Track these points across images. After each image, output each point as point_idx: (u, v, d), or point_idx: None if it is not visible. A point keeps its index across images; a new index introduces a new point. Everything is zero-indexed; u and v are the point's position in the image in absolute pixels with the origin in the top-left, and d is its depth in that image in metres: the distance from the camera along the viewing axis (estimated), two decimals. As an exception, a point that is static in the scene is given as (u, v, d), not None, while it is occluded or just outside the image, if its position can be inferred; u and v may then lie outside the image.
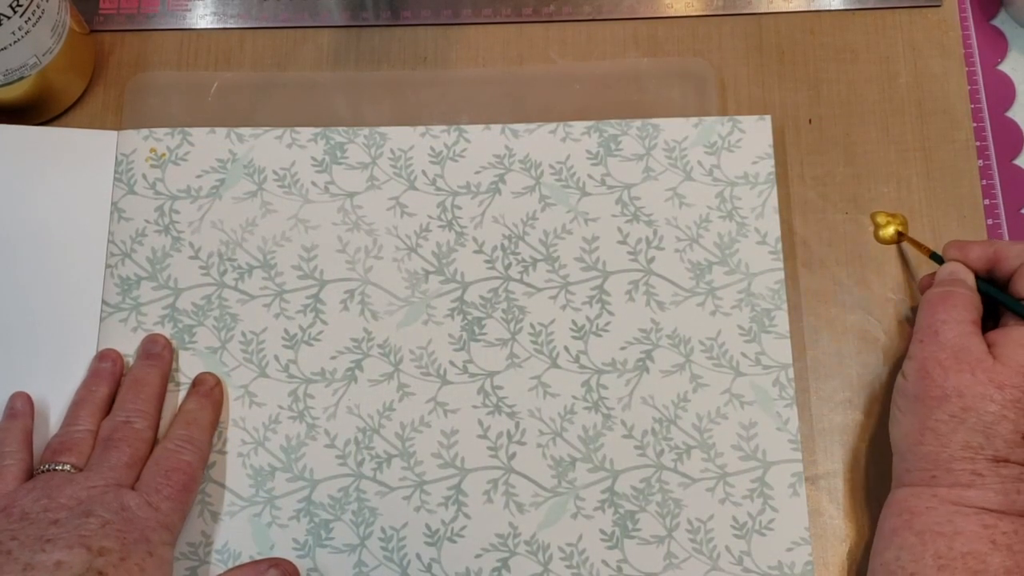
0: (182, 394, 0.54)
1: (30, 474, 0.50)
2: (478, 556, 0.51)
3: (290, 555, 0.51)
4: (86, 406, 0.52)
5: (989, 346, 0.47)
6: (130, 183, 0.57)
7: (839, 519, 0.53)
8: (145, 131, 0.58)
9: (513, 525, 0.52)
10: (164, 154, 0.57)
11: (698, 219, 0.56)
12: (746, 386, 0.54)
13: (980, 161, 0.59)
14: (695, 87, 0.60)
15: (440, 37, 0.61)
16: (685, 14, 0.62)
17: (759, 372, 0.54)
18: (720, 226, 0.56)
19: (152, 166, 0.57)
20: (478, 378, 0.54)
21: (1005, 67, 0.61)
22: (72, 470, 0.49)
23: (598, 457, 0.53)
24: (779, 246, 0.56)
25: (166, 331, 0.55)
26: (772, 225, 0.56)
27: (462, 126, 0.58)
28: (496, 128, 0.58)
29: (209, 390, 0.53)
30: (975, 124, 0.60)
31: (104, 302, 0.55)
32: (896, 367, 0.55)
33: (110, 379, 0.53)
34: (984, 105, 0.60)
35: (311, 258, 0.56)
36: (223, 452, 0.53)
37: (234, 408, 0.54)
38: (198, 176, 0.57)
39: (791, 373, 0.54)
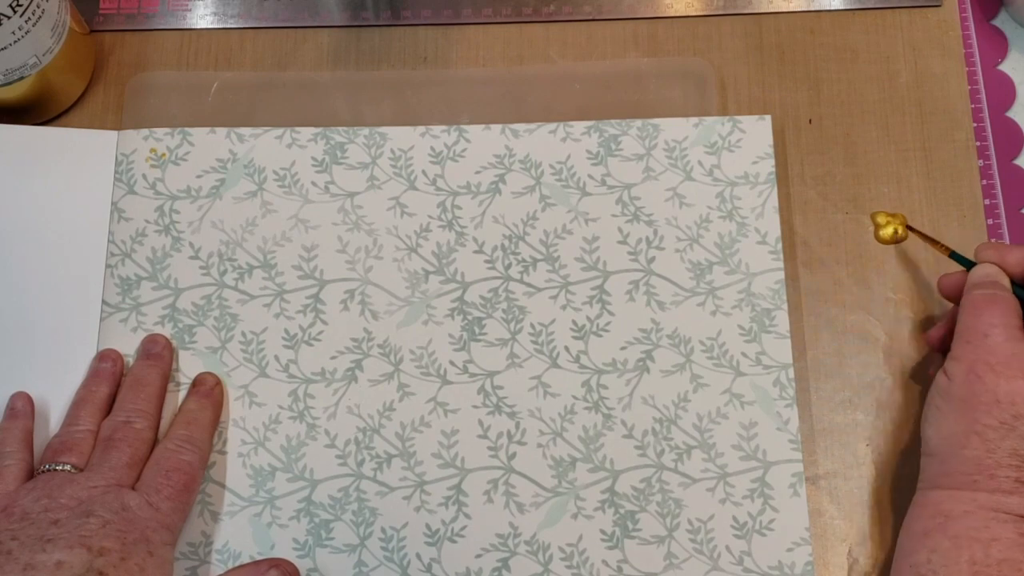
0: (182, 394, 0.54)
1: (31, 474, 0.50)
2: (478, 556, 0.51)
3: (290, 555, 0.51)
4: (86, 406, 0.52)
5: None
6: (130, 183, 0.57)
7: (839, 519, 0.53)
8: (145, 131, 0.58)
9: (513, 525, 0.52)
10: (164, 154, 0.57)
11: (698, 219, 0.56)
12: (746, 386, 0.54)
13: (980, 161, 0.59)
14: (695, 87, 0.60)
15: (440, 37, 0.61)
16: (685, 14, 0.62)
17: (759, 372, 0.54)
18: (720, 226, 0.56)
19: (152, 166, 0.57)
20: (478, 378, 0.54)
21: (1005, 67, 0.61)
22: (73, 470, 0.49)
23: (598, 457, 0.53)
24: (779, 246, 0.56)
25: (166, 331, 0.55)
26: (772, 225, 0.56)
27: (462, 126, 0.58)
28: (496, 128, 0.58)
29: (209, 390, 0.53)
30: (975, 124, 0.60)
31: (104, 302, 0.55)
32: (896, 367, 0.55)
33: (110, 379, 0.53)
34: (984, 105, 0.60)
35: (311, 258, 0.56)
36: (223, 452, 0.53)
37: (234, 408, 0.54)
38: (198, 176, 0.57)
39: (791, 373, 0.54)
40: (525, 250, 0.56)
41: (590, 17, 0.62)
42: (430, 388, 0.54)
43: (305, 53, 0.61)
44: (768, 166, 0.57)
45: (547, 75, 0.60)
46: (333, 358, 0.54)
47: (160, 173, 0.57)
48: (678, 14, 0.62)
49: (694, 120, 0.58)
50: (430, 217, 0.56)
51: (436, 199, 0.57)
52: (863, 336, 0.56)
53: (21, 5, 0.51)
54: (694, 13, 0.62)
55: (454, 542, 0.52)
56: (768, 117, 0.58)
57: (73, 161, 0.57)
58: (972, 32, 0.62)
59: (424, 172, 0.57)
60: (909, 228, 0.55)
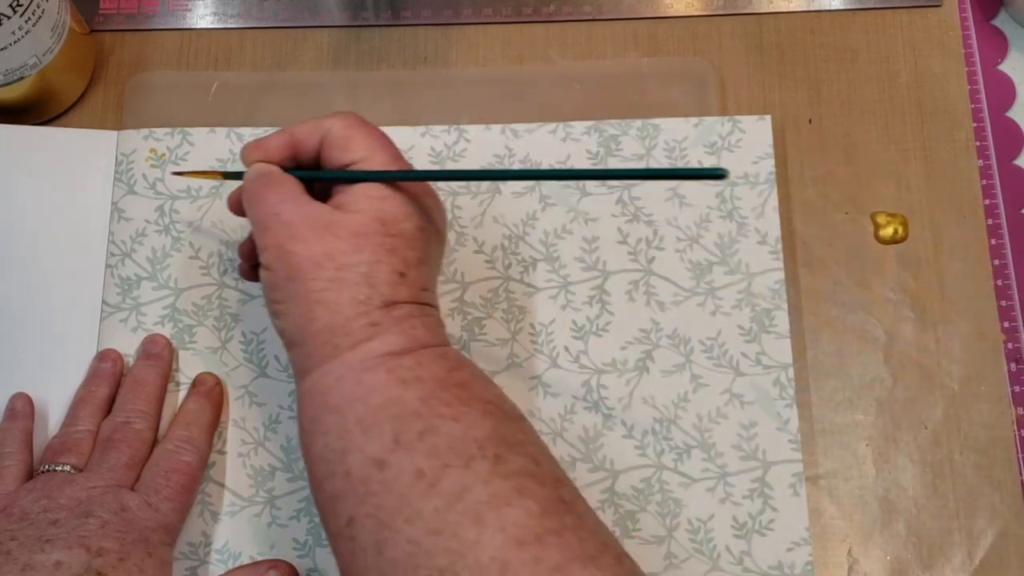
0: (182, 394, 0.54)
1: (30, 474, 0.50)
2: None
3: (290, 555, 0.51)
4: (86, 406, 0.52)
5: (335, 208, 0.46)
6: (130, 183, 0.57)
7: (839, 519, 0.53)
8: (145, 131, 0.58)
9: (513, 525, 0.52)
10: (164, 154, 0.57)
11: (698, 219, 0.56)
12: (746, 386, 0.54)
13: (980, 161, 0.59)
14: (695, 87, 0.60)
15: (440, 37, 0.61)
16: (685, 14, 0.62)
17: (759, 372, 0.54)
18: (720, 226, 0.56)
19: (152, 166, 0.57)
20: (478, 378, 0.54)
21: (1005, 67, 0.61)
22: (72, 471, 0.49)
23: (598, 457, 0.53)
24: (779, 246, 0.56)
25: (166, 331, 0.55)
26: (772, 225, 0.56)
27: (462, 126, 0.58)
28: (496, 128, 0.58)
29: (209, 390, 0.53)
30: (975, 124, 0.60)
31: (104, 302, 0.55)
32: (896, 367, 0.55)
33: (110, 379, 0.53)
34: (984, 105, 0.60)
35: (311, 258, 0.56)
36: (223, 452, 0.53)
37: (234, 408, 0.54)
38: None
39: (791, 373, 0.54)
40: (525, 250, 0.56)
41: (590, 17, 0.62)
42: (430, 388, 0.54)
43: (305, 53, 0.61)
44: (768, 166, 0.57)
45: (547, 75, 0.60)
46: (333, 358, 0.54)
47: (160, 173, 0.57)
48: (678, 14, 0.62)
49: (694, 120, 0.58)
50: (430, 217, 0.56)
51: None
52: (863, 336, 0.56)
53: (21, 5, 0.51)
54: (694, 13, 0.62)
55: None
56: (768, 117, 0.58)
57: (73, 161, 0.57)
58: (972, 32, 0.62)
59: (424, 172, 0.57)
60: (178, 174, 0.55)
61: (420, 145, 0.58)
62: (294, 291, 0.44)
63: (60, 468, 0.49)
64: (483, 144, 0.58)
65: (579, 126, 0.58)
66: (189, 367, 0.54)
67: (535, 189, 0.57)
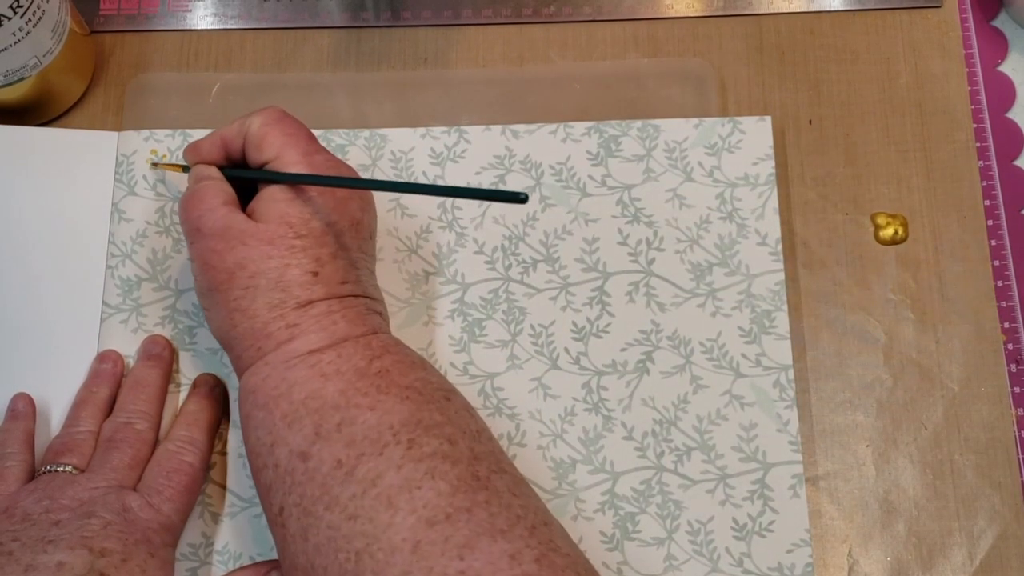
0: (183, 395, 0.54)
1: (32, 475, 0.50)
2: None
3: (291, 556, 0.51)
4: (87, 407, 0.52)
5: (251, 216, 0.48)
6: (131, 184, 0.57)
7: (839, 520, 0.53)
8: (146, 132, 0.58)
9: (513, 526, 0.52)
10: (165, 155, 0.57)
11: (698, 220, 0.56)
12: (746, 387, 0.54)
13: (980, 162, 0.59)
14: (695, 88, 0.60)
15: (440, 38, 0.61)
16: (685, 15, 0.62)
17: (759, 373, 0.54)
18: (720, 227, 0.56)
19: (154, 166, 0.57)
20: (478, 379, 0.54)
21: (1005, 68, 0.61)
22: (74, 471, 0.49)
23: (598, 459, 0.53)
24: (779, 247, 0.56)
25: (167, 332, 0.55)
26: (772, 226, 0.56)
27: (462, 127, 0.58)
28: (496, 129, 0.58)
29: (210, 391, 0.53)
30: (975, 125, 0.60)
31: (104, 303, 0.55)
32: (896, 367, 0.55)
33: (111, 380, 0.53)
34: (984, 106, 0.60)
35: (311, 259, 0.56)
36: (223, 453, 0.53)
37: (235, 409, 0.54)
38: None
39: (791, 374, 0.54)
40: (525, 251, 0.56)
41: (590, 18, 0.62)
42: (430, 389, 0.54)
43: (305, 54, 0.61)
44: (768, 167, 0.57)
45: (547, 76, 0.60)
46: (333, 359, 0.54)
47: (161, 174, 0.57)
48: (678, 15, 0.62)
49: (694, 121, 0.58)
50: (430, 218, 0.57)
51: (436, 200, 0.57)
52: (863, 337, 0.56)
53: (22, 6, 0.51)
54: (694, 14, 0.62)
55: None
56: (768, 118, 0.58)
57: (73, 162, 0.57)
58: (972, 33, 0.62)
59: (424, 173, 0.57)
60: (154, 165, 0.57)
61: (420, 146, 0.58)
62: (215, 300, 0.47)
63: (62, 469, 0.49)
64: (483, 145, 0.58)
65: (579, 127, 0.58)
66: (190, 368, 0.54)
67: (535, 190, 0.57)
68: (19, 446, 0.51)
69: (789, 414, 0.53)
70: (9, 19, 0.51)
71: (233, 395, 0.54)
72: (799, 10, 0.61)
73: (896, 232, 0.57)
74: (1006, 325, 0.56)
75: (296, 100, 0.60)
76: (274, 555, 0.51)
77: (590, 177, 0.57)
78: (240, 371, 0.48)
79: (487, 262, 0.56)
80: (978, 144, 0.59)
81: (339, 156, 0.57)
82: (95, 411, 0.52)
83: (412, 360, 0.47)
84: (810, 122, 0.59)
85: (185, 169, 0.54)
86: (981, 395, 0.55)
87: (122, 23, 0.62)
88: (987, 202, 0.58)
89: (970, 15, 0.62)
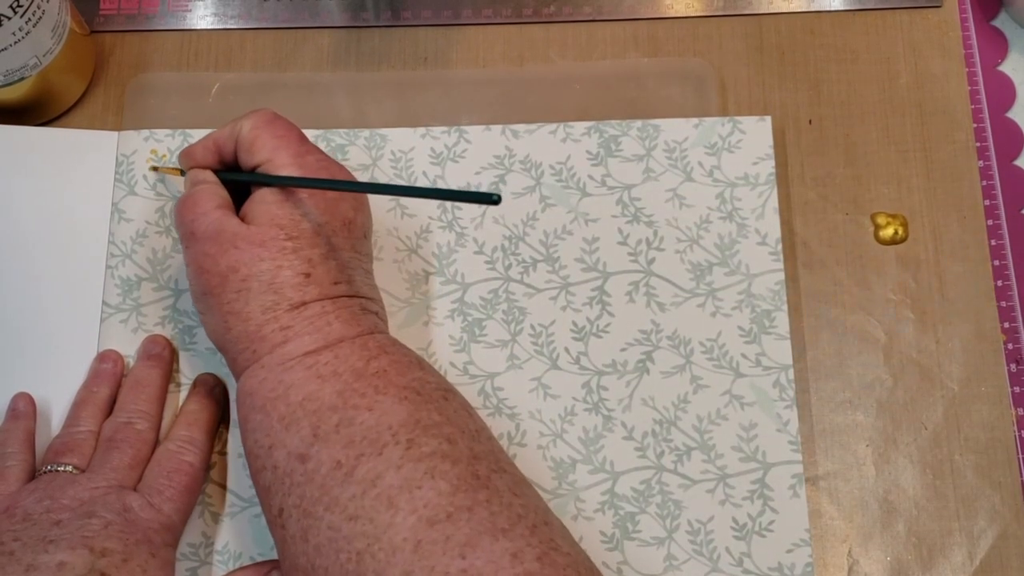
0: (183, 395, 0.54)
1: (32, 475, 0.50)
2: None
3: (291, 556, 0.51)
4: (87, 407, 0.52)
5: (244, 219, 0.48)
6: (131, 184, 0.57)
7: (839, 520, 0.53)
8: (146, 132, 0.58)
9: (513, 526, 0.52)
10: (165, 155, 0.57)
11: (698, 220, 0.56)
12: (746, 387, 0.54)
13: (980, 162, 0.59)
14: (695, 87, 0.60)
15: (440, 38, 0.61)
16: (685, 14, 0.62)
17: (759, 373, 0.54)
18: (720, 227, 0.56)
19: (154, 167, 0.57)
20: (479, 379, 0.54)
21: (1005, 68, 0.61)
22: (74, 471, 0.49)
23: (598, 459, 0.53)
24: (779, 247, 0.56)
25: (167, 332, 0.55)
26: (772, 226, 0.56)
27: (462, 127, 0.58)
28: (496, 129, 0.58)
29: (210, 391, 0.53)
30: (975, 125, 0.60)
31: (104, 303, 0.55)
32: (896, 367, 0.55)
33: (111, 380, 0.53)
34: (984, 106, 0.60)
35: (311, 259, 0.56)
36: (223, 453, 0.53)
37: (235, 409, 0.54)
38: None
39: (791, 374, 0.54)
40: (525, 251, 0.56)
41: (590, 18, 0.62)
42: (430, 389, 0.54)
43: (305, 54, 0.61)
44: (768, 167, 0.57)
45: (547, 76, 0.60)
46: (333, 359, 0.54)
47: (161, 174, 0.57)
48: (678, 15, 0.62)
49: (694, 121, 0.58)
50: (430, 218, 0.57)
51: (436, 200, 0.57)
52: (863, 337, 0.56)
53: (22, 6, 0.51)
54: (694, 14, 0.62)
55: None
56: (768, 118, 0.58)
57: (73, 162, 0.57)
58: (972, 33, 0.62)
59: (424, 173, 0.57)
60: (153, 168, 0.57)
61: (420, 146, 0.58)
62: (209, 304, 0.48)
63: (62, 468, 0.49)
64: (483, 145, 0.58)
65: (579, 127, 0.58)
66: (190, 368, 0.54)
67: (535, 190, 0.57)
68: (20, 446, 0.51)
69: (789, 414, 0.53)
70: (9, 19, 0.51)
71: (233, 395, 0.54)
72: (799, 10, 0.61)
73: (896, 232, 0.57)
74: (1006, 325, 0.56)
75: (296, 100, 0.60)
76: (274, 555, 0.51)
77: (590, 177, 0.57)
78: (236, 374, 0.48)
79: (487, 262, 0.56)
80: (978, 144, 0.59)
81: (339, 156, 0.57)
82: (95, 411, 0.52)
83: (409, 360, 0.47)
84: (810, 122, 0.59)
85: (183, 173, 0.54)
86: (981, 395, 0.55)
87: (122, 23, 0.62)
88: (987, 202, 0.58)
89: (970, 15, 0.62)
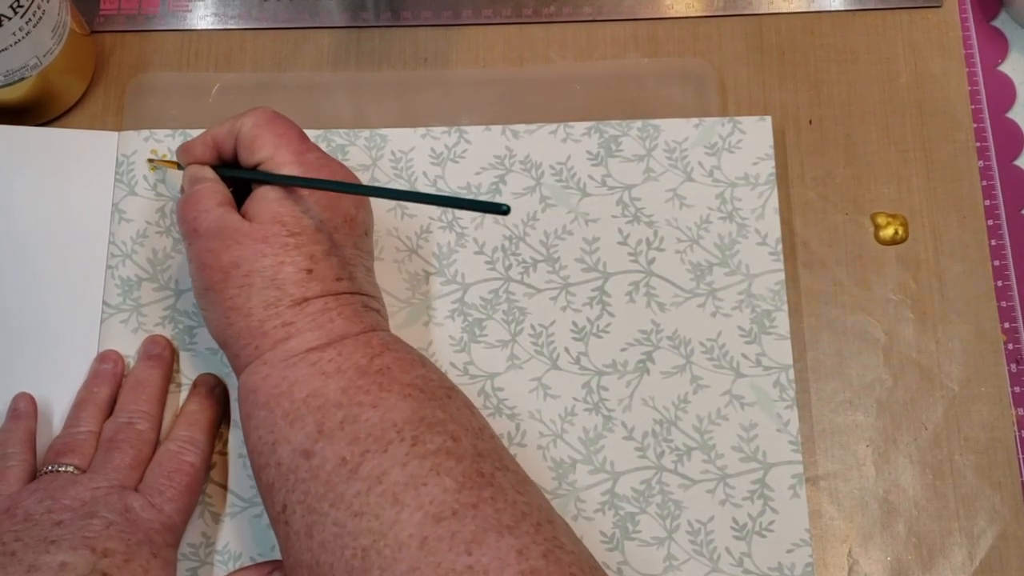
0: (183, 395, 0.54)
1: (33, 475, 0.50)
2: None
3: (291, 556, 0.51)
4: (88, 407, 0.52)
5: (245, 216, 0.48)
6: (131, 184, 0.57)
7: (839, 520, 0.53)
8: (146, 132, 0.58)
9: (514, 526, 0.52)
10: (165, 155, 0.57)
11: (698, 220, 0.56)
12: (746, 387, 0.54)
13: (980, 162, 0.59)
14: (695, 88, 0.60)
15: (440, 38, 0.61)
16: (685, 15, 0.62)
17: (759, 373, 0.54)
18: (720, 227, 0.56)
19: (154, 168, 0.57)
20: (479, 379, 0.54)
21: (1005, 68, 0.61)
22: (75, 471, 0.49)
23: (598, 459, 0.53)
24: (779, 247, 0.56)
25: (167, 332, 0.55)
26: (772, 226, 0.56)
27: (462, 127, 0.58)
28: (496, 129, 0.58)
29: (210, 391, 0.53)
30: (975, 125, 0.60)
31: (105, 303, 0.55)
32: (896, 367, 0.55)
33: (111, 380, 0.53)
34: (984, 106, 0.60)
35: (312, 259, 0.56)
36: (224, 453, 0.53)
37: (235, 409, 0.54)
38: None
39: (791, 374, 0.54)
40: (525, 251, 0.56)
41: (590, 18, 0.62)
42: (431, 389, 0.54)
43: (305, 54, 0.61)
44: (768, 167, 0.57)
45: (547, 76, 0.60)
46: (334, 359, 0.54)
47: (161, 174, 0.57)
48: (678, 15, 0.62)
49: (694, 121, 0.58)
50: (431, 218, 0.57)
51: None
52: (863, 337, 0.56)
53: (22, 6, 0.51)
54: (694, 14, 0.62)
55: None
56: (768, 118, 0.58)
57: (74, 162, 0.57)
58: (972, 33, 0.62)
59: (425, 174, 0.57)
60: (149, 161, 0.57)
61: (420, 146, 0.58)
62: (211, 300, 0.48)
63: (63, 469, 0.49)
64: (483, 145, 0.58)
65: (579, 127, 0.58)
66: (190, 368, 0.54)
67: (535, 190, 0.57)
68: (20, 446, 0.51)
69: (789, 414, 0.53)
70: (9, 19, 0.51)
71: (233, 395, 0.54)
72: (799, 10, 0.61)
73: (896, 232, 0.57)
74: (1006, 325, 0.56)
75: (296, 100, 0.60)
76: (275, 555, 0.51)
77: (590, 177, 0.57)
78: (238, 370, 0.48)
79: (487, 262, 0.56)
80: (978, 144, 0.59)
81: (339, 156, 0.57)
82: (96, 411, 0.52)
83: (412, 358, 0.47)
84: (810, 122, 0.59)
85: (181, 167, 0.54)
86: (981, 395, 0.55)
87: (122, 23, 0.62)
88: (987, 202, 0.58)
89: (970, 15, 0.62)
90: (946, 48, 0.61)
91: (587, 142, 0.58)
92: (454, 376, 0.54)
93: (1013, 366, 0.56)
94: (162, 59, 0.61)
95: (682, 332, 0.55)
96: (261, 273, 0.46)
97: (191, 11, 0.62)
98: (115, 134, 0.58)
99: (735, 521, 0.52)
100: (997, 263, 0.57)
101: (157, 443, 0.52)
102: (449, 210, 0.57)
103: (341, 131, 0.58)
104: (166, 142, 0.58)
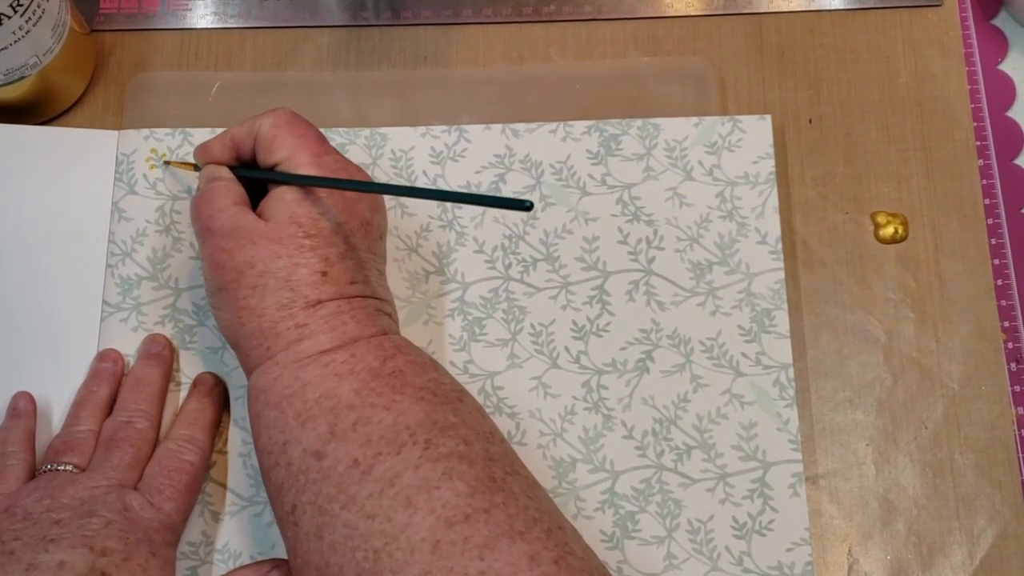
0: (183, 394, 0.54)
1: (32, 474, 0.51)
2: (479, 556, 0.51)
3: (291, 555, 0.51)
4: (87, 406, 0.52)
5: (261, 216, 0.48)
6: (131, 183, 0.57)
7: (839, 519, 0.53)
8: (146, 131, 0.58)
9: (514, 525, 0.52)
10: (165, 154, 0.57)
11: (698, 219, 0.56)
12: (746, 386, 0.54)
13: (980, 161, 0.59)
14: (695, 87, 0.60)
15: (440, 37, 0.61)
16: (685, 14, 0.62)
17: (759, 372, 0.54)
18: (720, 226, 0.56)
19: (152, 167, 0.57)
20: (479, 378, 0.54)
21: (1005, 67, 0.61)
22: (74, 470, 0.49)
23: (598, 458, 0.53)
24: (779, 246, 0.56)
25: (167, 331, 0.55)
26: (772, 225, 0.56)
27: (462, 126, 0.58)
28: (496, 128, 0.58)
29: (210, 390, 0.53)
30: (975, 124, 0.60)
31: (105, 302, 0.55)
32: (896, 367, 0.55)
33: (111, 379, 0.53)
34: (984, 105, 0.60)
35: (312, 258, 0.56)
36: (224, 452, 0.53)
37: (235, 408, 0.54)
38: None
39: (791, 373, 0.54)
40: (525, 250, 0.56)
41: (590, 17, 0.62)
42: (430, 388, 0.54)
43: (305, 53, 0.61)
44: (768, 166, 0.57)
45: (547, 75, 0.60)
46: (333, 358, 0.54)
47: (161, 173, 0.57)
48: (678, 14, 0.62)
49: (694, 120, 0.58)
50: (430, 217, 0.57)
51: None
52: (863, 336, 0.56)
53: (22, 5, 0.51)
54: (694, 13, 0.62)
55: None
56: (768, 117, 0.58)
57: (73, 161, 0.57)
58: (972, 32, 0.62)
59: (425, 172, 0.57)
60: (166, 163, 0.57)
61: (420, 145, 0.58)
62: (224, 299, 0.47)
63: (62, 468, 0.49)
64: (483, 144, 0.58)
65: (579, 126, 0.58)
66: (190, 367, 0.54)
67: (535, 189, 0.57)
68: (20, 445, 0.51)
69: (789, 413, 0.53)
70: (9, 18, 0.51)
71: (234, 394, 0.54)
72: (799, 9, 0.61)
73: (896, 231, 0.57)
74: (1006, 324, 0.56)
75: (296, 99, 0.60)
76: (274, 554, 0.51)
77: (590, 176, 0.57)
78: (248, 370, 0.48)
79: (487, 261, 0.56)
80: (978, 143, 0.59)
81: (339, 155, 0.57)
82: (95, 410, 0.52)
83: (424, 361, 0.47)
84: (810, 121, 0.59)
85: (197, 168, 0.54)
86: (981, 394, 0.55)
87: (122, 22, 0.62)
88: (987, 201, 0.58)
89: (970, 14, 0.62)
90: (946, 47, 0.61)
91: (587, 141, 0.58)
92: (454, 375, 0.54)
93: (1013, 365, 0.56)
94: (162, 58, 0.61)
95: (682, 331, 0.55)
96: (275, 274, 0.46)
97: (191, 10, 0.62)
98: (115, 133, 0.58)
99: (735, 520, 0.52)
100: (997, 262, 0.57)
101: (157, 442, 0.52)
102: (449, 209, 0.57)
103: (341, 130, 0.58)
104: (166, 141, 0.58)
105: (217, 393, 0.54)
